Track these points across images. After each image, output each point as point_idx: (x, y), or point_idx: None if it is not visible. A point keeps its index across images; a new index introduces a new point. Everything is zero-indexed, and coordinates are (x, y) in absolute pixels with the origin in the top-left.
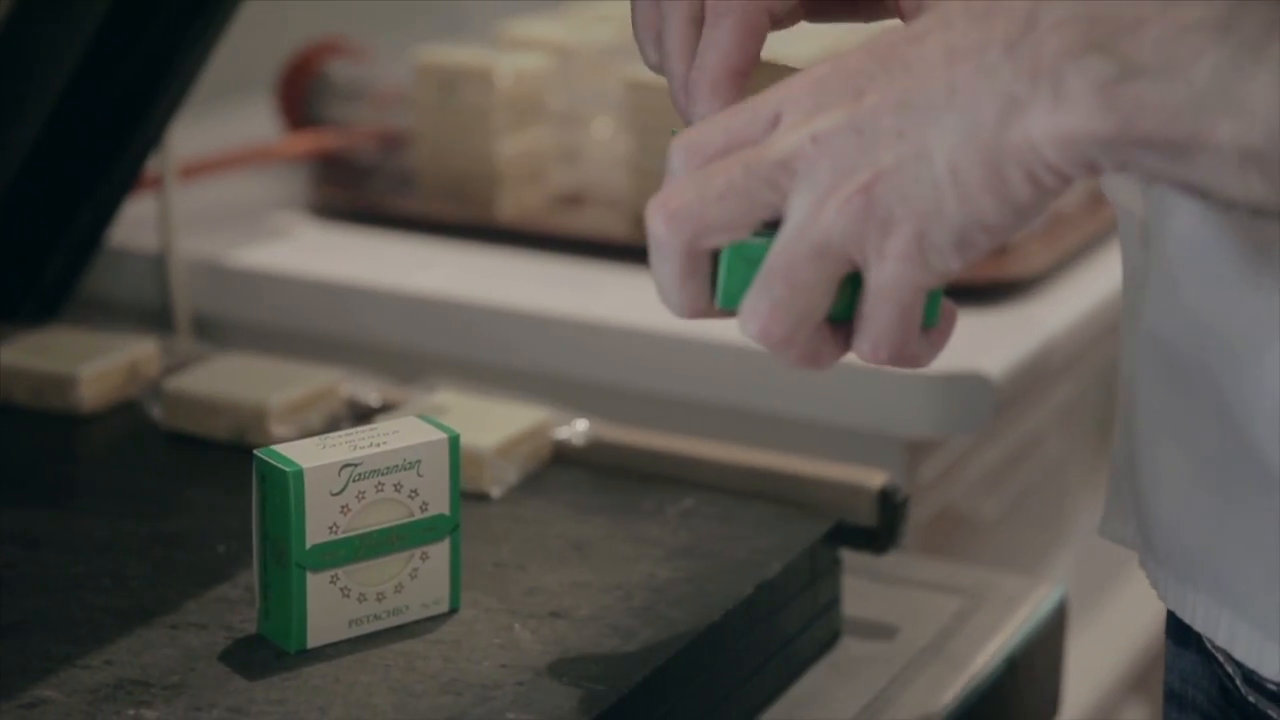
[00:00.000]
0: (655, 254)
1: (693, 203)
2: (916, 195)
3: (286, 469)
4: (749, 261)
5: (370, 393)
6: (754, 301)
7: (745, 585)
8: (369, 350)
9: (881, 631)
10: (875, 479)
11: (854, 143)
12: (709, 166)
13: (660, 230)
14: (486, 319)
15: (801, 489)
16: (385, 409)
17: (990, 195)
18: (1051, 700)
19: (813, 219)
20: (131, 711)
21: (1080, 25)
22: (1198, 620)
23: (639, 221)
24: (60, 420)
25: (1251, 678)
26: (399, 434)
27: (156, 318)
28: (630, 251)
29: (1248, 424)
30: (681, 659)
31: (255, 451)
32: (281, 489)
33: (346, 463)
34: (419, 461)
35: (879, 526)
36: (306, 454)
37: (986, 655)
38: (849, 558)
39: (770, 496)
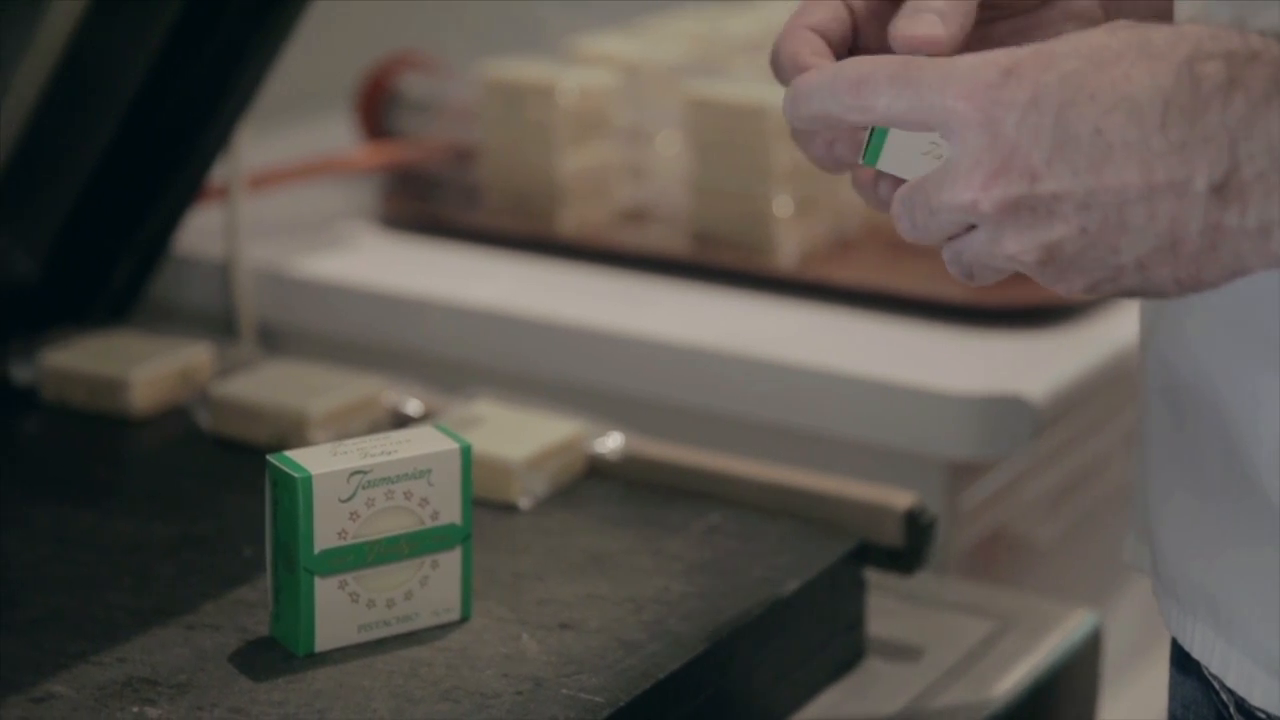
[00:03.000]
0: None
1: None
2: (1092, 266)
3: (295, 475)
4: None
5: (411, 402)
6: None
7: (758, 602)
8: (427, 360)
9: (907, 653)
10: (902, 499)
11: (1028, 216)
12: (908, 200)
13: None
14: (539, 332)
15: (829, 508)
16: (426, 418)
17: (1177, 285)
18: None
19: (987, 249)
20: (136, 709)
21: None
22: (1195, 647)
23: (698, 238)
24: (112, 422)
25: (1244, 705)
26: (411, 443)
27: (222, 324)
28: (687, 268)
29: (1249, 454)
30: (684, 674)
31: (268, 457)
32: (291, 494)
33: (356, 470)
34: (429, 471)
35: (905, 547)
36: (317, 460)
37: (1011, 681)
38: (883, 578)
39: (798, 515)
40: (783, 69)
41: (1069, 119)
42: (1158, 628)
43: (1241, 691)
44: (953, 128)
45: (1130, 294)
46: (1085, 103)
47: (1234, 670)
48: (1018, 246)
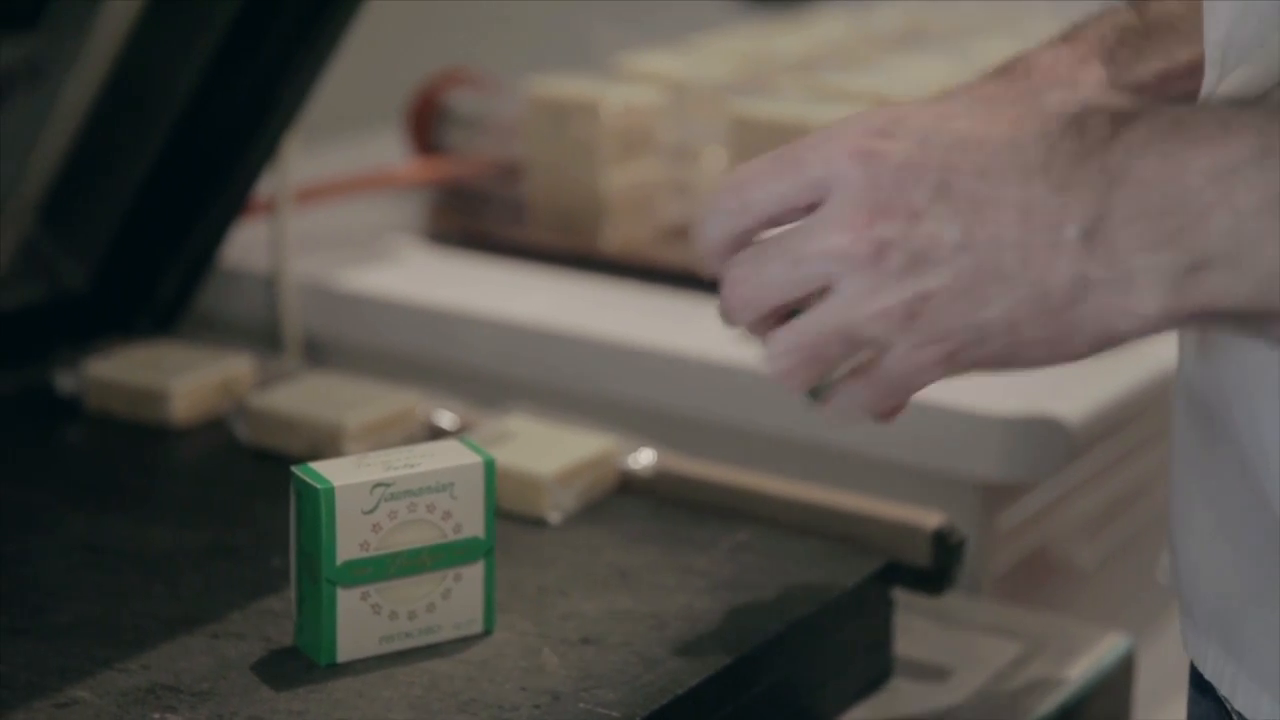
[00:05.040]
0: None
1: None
2: (959, 326)
3: (318, 486)
4: None
5: (446, 415)
6: (782, 352)
7: (780, 620)
8: (470, 374)
9: (934, 673)
10: (931, 519)
11: (903, 261)
12: (762, 252)
13: (731, 315)
14: (582, 348)
15: (857, 527)
16: (462, 432)
17: (1047, 348)
18: None
19: (851, 308)
20: (157, 715)
21: (1151, 220)
22: (1208, 668)
23: None
24: (152, 433)
25: None
26: (435, 456)
27: (268, 337)
28: None
29: (1263, 476)
30: (702, 690)
31: (292, 468)
32: (313, 505)
33: (379, 482)
34: (452, 484)
35: (934, 567)
36: (341, 472)
37: (1039, 703)
38: (915, 599)
39: (826, 533)
40: None
41: (954, 160)
42: None
43: (1249, 713)
44: (833, 186)
45: (995, 363)
46: (973, 146)
47: (1242, 693)
48: (886, 300)
